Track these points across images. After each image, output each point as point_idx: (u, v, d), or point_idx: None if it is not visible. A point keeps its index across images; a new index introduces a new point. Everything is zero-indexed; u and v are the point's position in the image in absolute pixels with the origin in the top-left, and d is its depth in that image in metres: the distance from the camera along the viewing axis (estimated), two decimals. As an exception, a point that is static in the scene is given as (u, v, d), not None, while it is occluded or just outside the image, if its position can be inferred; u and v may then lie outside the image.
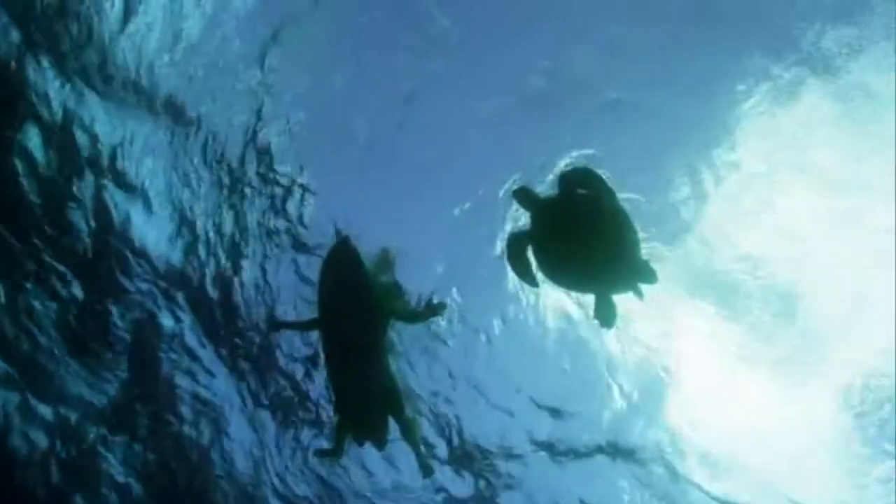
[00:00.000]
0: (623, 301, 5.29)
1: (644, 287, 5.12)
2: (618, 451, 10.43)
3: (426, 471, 6.54)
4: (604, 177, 5.12)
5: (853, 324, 9.26)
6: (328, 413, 10.48)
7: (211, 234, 10.09)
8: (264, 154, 9.70)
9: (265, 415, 10.84)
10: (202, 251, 10.14)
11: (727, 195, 9.10)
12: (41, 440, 10.55)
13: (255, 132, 9.55)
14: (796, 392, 9.82)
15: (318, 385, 10.50)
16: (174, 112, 9.47)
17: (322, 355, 6.32)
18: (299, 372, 10.54)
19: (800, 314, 9.45)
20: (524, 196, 5.35)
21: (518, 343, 10.12)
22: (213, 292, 10.32)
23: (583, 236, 5.07)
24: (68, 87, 9.09)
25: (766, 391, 9.98)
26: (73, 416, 10.57)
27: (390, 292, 6.41)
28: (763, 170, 8.94)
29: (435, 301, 6.29)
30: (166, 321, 10.45)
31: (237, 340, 10.47)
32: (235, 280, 10.21)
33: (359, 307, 5.90)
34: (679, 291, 9.61)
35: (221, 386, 10.71)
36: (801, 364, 9.66)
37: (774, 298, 9.46)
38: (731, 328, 9.80)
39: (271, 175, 9.77)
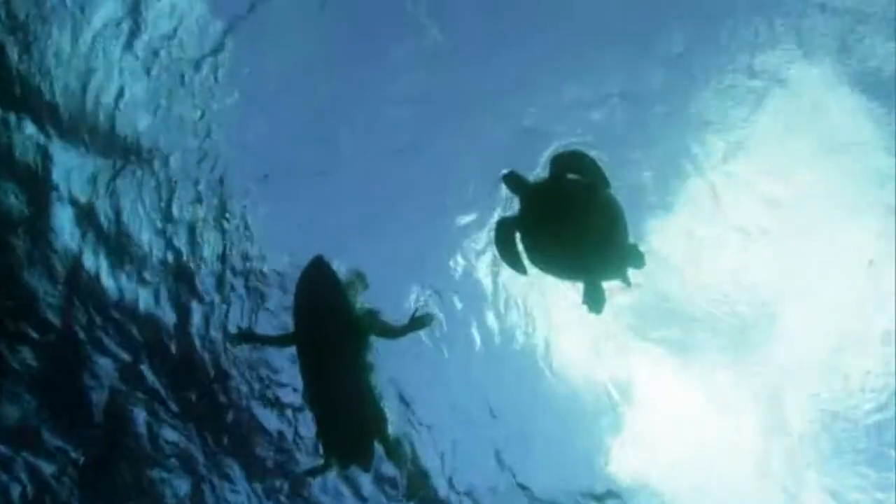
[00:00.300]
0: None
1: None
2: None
3: (411, 491, 6.24)
4: (597, 161, 5.02)
5: (804, 350, 9.26)
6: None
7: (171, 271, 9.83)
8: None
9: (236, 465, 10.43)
10: (165, 294, 9.87)
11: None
12: (15, 491, 10.06)
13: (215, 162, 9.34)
14: (748, 422, 9.75)
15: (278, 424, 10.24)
16: (128, 143, 9.29)
17: (300, 376, 5.92)
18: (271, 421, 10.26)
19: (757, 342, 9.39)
20: (513, 180, 5.24)
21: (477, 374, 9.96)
22: (173, 338, 10.03)
23: (571, 223, 4.96)
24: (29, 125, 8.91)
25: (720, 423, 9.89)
26: (47, 468, 10.12)
27: (368, 311, 6.12)
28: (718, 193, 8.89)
29: (420, 313, 5.98)
30: (140, 372, 10.10)
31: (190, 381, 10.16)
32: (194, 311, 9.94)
33: (336, 326, 5.70)
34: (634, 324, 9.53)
35: (191, 435, 10.33)
36: (754, 391, 9.60)
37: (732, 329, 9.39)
38: (688, 362, 9.72)
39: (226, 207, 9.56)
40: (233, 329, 9.50)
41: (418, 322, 5.89)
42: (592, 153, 5.09)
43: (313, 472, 6.45)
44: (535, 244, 5.14)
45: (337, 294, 5.73)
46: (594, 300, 5.05)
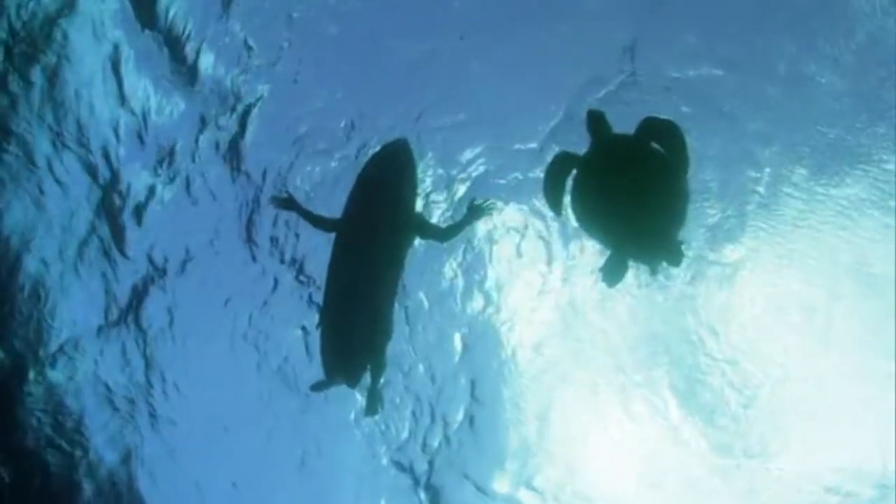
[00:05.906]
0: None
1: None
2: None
3: (372, 409, 5.99)
4: (687, 143, 4.71)
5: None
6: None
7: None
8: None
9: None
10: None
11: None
12: None
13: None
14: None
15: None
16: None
17: (329, 269, 5.62)
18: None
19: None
20: (597, 120, 4.94)
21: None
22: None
23: (633, 188, 4.71)
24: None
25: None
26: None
27: (419, 213, 5.98)
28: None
29: (478, 202, 5.66)
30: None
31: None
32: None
33: (395, 217, 5.40)
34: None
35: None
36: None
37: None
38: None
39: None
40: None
41: (477, 211, 5.59)
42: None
43: (317, 386, 6.09)
44: (586, 192, 4.89)
45: (410, 184, 5.48)
46: (613, 272, 4.88)
